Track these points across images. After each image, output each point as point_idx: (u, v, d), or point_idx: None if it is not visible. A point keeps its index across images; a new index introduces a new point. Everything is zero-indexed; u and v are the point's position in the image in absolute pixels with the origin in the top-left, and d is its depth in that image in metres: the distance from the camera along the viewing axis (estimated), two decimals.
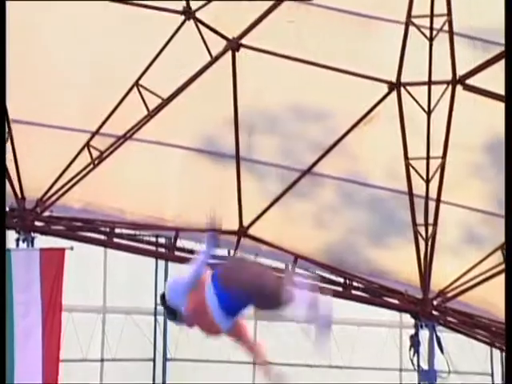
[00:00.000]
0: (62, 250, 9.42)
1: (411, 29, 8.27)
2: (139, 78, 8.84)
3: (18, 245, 9.64)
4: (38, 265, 9.27)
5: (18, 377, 9.02)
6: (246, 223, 9.88)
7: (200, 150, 9.56)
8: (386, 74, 8.69)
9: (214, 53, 8.62)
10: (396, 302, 10.23)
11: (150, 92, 8.87)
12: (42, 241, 9.72)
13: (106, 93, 9.00)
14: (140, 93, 8.88)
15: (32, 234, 9.68)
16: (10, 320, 9.14)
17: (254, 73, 8.90)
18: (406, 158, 9.07)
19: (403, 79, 8.68)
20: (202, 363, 12.01)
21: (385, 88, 8.78)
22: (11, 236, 9.70)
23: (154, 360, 11.89)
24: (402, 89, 8.71)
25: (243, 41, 8.60)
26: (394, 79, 8.70)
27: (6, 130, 9.20)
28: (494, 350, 11.72)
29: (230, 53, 8.66)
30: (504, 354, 5.18)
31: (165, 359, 11.98)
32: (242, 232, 9.90)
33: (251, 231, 9.92)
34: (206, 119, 9.33)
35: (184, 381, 12.15)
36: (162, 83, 8.88)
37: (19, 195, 9.64)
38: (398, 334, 12.04)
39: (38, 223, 9.78)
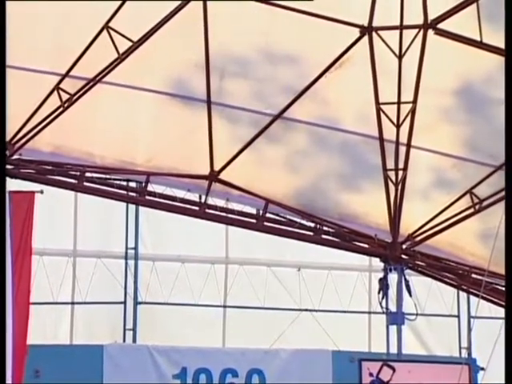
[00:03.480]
0: (32, 193, 9.37)
1: None
2: (109, 20, 8.73)
3: None
4: (8, 208, 9.22)
5: None
6: (217, 168, 9.88)
7: (171, 93, 9.50)
8: (358, 18, 8.65)
9: None
10: (366, 246, 10.33)
11: (121, 35, 8.76)
12: (12, 184, 9.67)
13: (76, 35, 8.88)
14: (110, 35, 8.77)
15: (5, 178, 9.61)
16: None
17: (224, 17, 8.82)
18: (377, 102, 9.07)
19: (375, 23, 8.64)
20: (172, 306, 12.09)
21: (356, 32, 8.74)
22: None
23: (124, 303, 11.95)
24: (374, 33, 8.68)
25: None
26: (365, 23, 8.66)
27: None
28: (460, 292, 11.91)
29: None
30: (504, 356, 5.23)
31: (135, 302, 12.03)
32: (213, 177, 9.90)
33: (222, 176, 9.93)
34: (177, 63, 9.26)
35: (154, 324, 12.24)
36: (133, 26, 8.77)
37: None
38: (368, 278, 12.18)
39: (7, 166, 9.71)
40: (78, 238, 11.81)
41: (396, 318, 10.00)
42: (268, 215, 10.21)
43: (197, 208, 10.12)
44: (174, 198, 10.10)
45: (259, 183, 10.09)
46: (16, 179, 9.70)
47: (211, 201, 10.07)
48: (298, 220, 10.28)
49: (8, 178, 9.73)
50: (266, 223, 10.27)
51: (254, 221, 10.25)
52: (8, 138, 9.58)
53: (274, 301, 12.07)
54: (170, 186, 10.09)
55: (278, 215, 10.30)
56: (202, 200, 10.05)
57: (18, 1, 8.62)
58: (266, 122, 9.53)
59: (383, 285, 10.03)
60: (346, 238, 10.31)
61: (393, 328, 10.23)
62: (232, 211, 10.19)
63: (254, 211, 10.24)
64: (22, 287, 9.16)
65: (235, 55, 9.18)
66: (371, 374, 9.85)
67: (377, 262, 10.54)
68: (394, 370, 9.87)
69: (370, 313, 12.13)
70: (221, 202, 10.19)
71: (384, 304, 9.98)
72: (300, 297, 12.11)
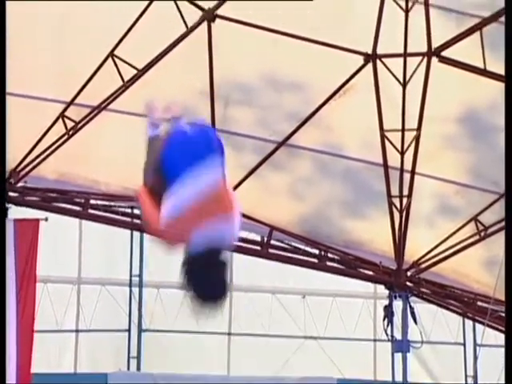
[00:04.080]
0: (37, 220, 9.39)
1: (387, 0, 8.26)
2: (114, 49, 8.78)
3: None
4: (13, 236, 9.23)
5: None
6: None
7: None
8: (362, 46, 8.69)
9: (190, 23, 8.57)
10: (370, 273, 10.31)
11: (125, 62, 8.81)
12: (17, 212, 9.68)
13: (81, 63, 8.93)
14: (115, 63, 8.82)
15: (6, 205, 9.63)
16: None
17: (229, 44, 8.87)
18: (382, 129, 9.09)
19: (379, 51, 8.68)
20: (177, 334, 12.04)
21: (360, 60, 8.77)
22: None
23: (129, 331, 11.91)
24: (378, 61, 8.72)
25: (219, 11, 8.56)
26: (369, 51, 8.70)
27: None
28: (466, 320, 11.86)
29: (205, 24, 8.61)
30: (505, 357, 5.19)
31: (140, 330, 11.99)
32: None
33: None
34: (182, 91, 9.29)
35: (159, 352, 12.19)
36: (138, 54, 8.82)
37: None
38: (373, 305, 12.13)
39: (12, 194, 9.73)
40: (83, 266, 11.80)
41: (401, 346, 9.95)
42: (272, 242, 10.20)
43: None
44: None
45: (264, 210, 10.08)
46: (21, 207, 9.71)
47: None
48: (303, 247, 10.26)
49: (13, 206, 9.76)
50: (270, 250, 10.26)
51: (258, 248, 10.24)
52: (13, 165, 9.61)
53: (279, 328, 12.01)
54: None
55: (282, 242, 10.28)
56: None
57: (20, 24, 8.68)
58: (270, 149, 9.55)
59: (388, 312, 9.99)
60: (351, 264, 10.29)
61: (398, 356, 10.17)
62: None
63: (258, 238, 10.23)
64: (26, 314, 9.14)
65: (239, 82, 9.22)
66: None
67: (382, 289, 10.51)
68: None
69: (375, 340, 12.07)
70: None
71: (389, 331, 9.93)
72: (305, 324, 12.06)
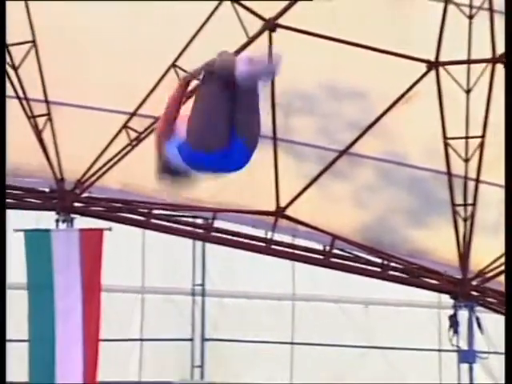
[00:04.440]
0: (101, 230, 9.50)
1: (450, 7, 8.17)
2: (176, 59, 8.85)
3: (57, 225, 9.74)
4: (78, 245, 9.35)
5: (59, 357, 9.13)
6: (283, 204, 9.88)
7: None
8: (425, 53, 8.61)
9: (251, 33, 8.60)
10: (435, 282, 10.19)
11: (187, 73, 8.86)
12: (82, 221, 9.81)
13: (144, 74, 9.02)
14: (177, 74, 8.89)
15: (71, 215, 9.77)
16: (50, 301, 9.25)
17: (290, 53, 8.85)
18: (445, 137, 9.00)
19: (442, 58, 8.59)
20: (240, 343, 12.06)
21: (423, 67, 8.70)
22: (51, 217, 9.80)
23: (192, 340, 11.96)
24: (441, 68, 8.63)
25: (280, 21, 8.57)
26: (432, 58, 8.61)
27: (46, 111, 9.27)
28: None
29: (266, 33, 8.63)
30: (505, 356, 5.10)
31: (203, 339, 12.03)
32: (279, 213, 9.90)
33: (288, 212, 9.92)
34: None
35: (222, 361, 12.22)
36: (199, 64, 8.87)
37: (58, 176, 9.73)
38: (437, 315, 11.98)
39: (77, 204, 9.87)
40: (146, 275, 11.89)
41: (467, 356, 9.80)
42: (335, 251, 10.15)
43: (263, 244, 10.12)
44: (240, 235, 10.13)
45: (325, 219, 10.05)
46: (86, 217, 9.84)
47: (277, 237, 10.06)
48: (365, 256, 10.19)
49: (78, 216, 9.89)
50: (332, 259, 10.21)
51: (320, 257, 10.20)
52: (78, 176, 9.75)
53: (342, 337, 11.94)
54: (237, 222, 10.12)
55: (344, 251, 10.23)
56: (269, 236, 10.05)
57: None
58: (331, 157, 9.51)
59: (453, 322, 9.85)
60: (415, 274, 10.18)
61: (464, 366, 10.02)
62: (298, 247, 10.17)
63: (320, 247, 10.19)
64: (91, 323, 9.25)
65: (300, 91, 9.21)
66: None
67: (446, 299, 10.37)
68: None
69: (439, 350, 11.91)
70: (287, 238, 10.16)
71: (455, 341, 9.79)
72: (368, 333, 11.97)
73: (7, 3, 6.99)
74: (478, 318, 9.84)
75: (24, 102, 9.14)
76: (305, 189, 9.68)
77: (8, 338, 10.40)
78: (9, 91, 8.99)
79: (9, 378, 10.20)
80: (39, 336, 9.24)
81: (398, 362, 11.83)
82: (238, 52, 8.64)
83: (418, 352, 11.88)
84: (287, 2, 8.38)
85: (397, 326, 11.91)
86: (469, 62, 8.46)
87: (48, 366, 9.12)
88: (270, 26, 8.58)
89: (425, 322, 11.98)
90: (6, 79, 8.79)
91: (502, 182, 9.55)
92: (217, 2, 8.43)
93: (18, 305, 10.05)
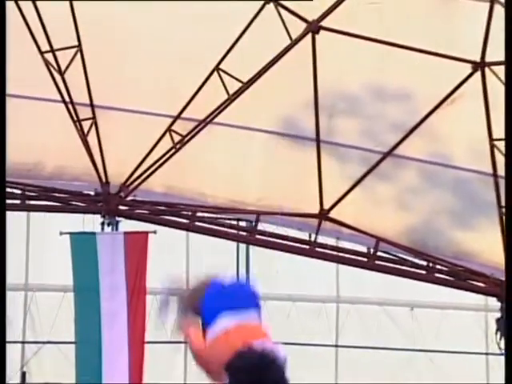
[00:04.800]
0: (146, 233, 9.56)
1: (496, 6, 8.08)
2: (219, 63, 8.87)
3: (103, 229, 9.83)
4: (123, 248, 9.42)
5: (106, 358, 9.21)
6: (326, 206, 9.84)
7: (281, 133, 9.56)
8: (470, 54, 8.52)
9: (294, 36, 8.58)
10: (481, 285, 10.07)
11: (231, 76, 8.89)
12: (126, 225, 9.88)
13: (188, 78, 9.06)
14: (220, 77, 8.91)
15: (116, 218, 9.85)
16: (96, 303, 9.33)
17: (333, 55, 8.84)
18: (491, 138, 8.89)
19: (488, 59, 8.49)
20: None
21: (468, 68, 8.61)
22: (96, 220, 9.89)
23: None
24: (487, 68, 8.53)
25: (323, 23, 8.54)
26: (477, 59, 8.52)
27: (91, 115, 9.36)
28: None
29: (309, 35, 8.60)
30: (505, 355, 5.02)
31: None
32: (323, 215, 9.87)
33: (332, 214, 9.88)
34: (287, 102, 9.32)
35: None
36: (243, 67, 8.89)
37: (104, 180, 9.81)
38: (484, 318, 11.86)
39: (122, 207, 9.94)
40: (190, 278, 11.94)
41: None
42: (379, 253, 10.09)
43: (307, 247, 10.09)
44: (284, 237, 10.11)
45: (370, 221, 9.99)
46: (131, 220, 9.91)
47: (321, 239, 10.03)
48: (410, 258, 10.11)
49: (122, 219, 9.96)
50: (377, 262, 10.15)
51: (365, 259, 10.14)
52: (123, 179, 9.82)
53: (387, 340, 11.88)
54: (280, 224, 10.11)
55: (389, 253, 10.16)
56: (312, 239, 10.02)
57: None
58: (375, 159, 9.46)
59: (500, 325, 9.73)
60: (461, 276, 10.08)
61: None
62: (342, 250, 10.12)
63: (364, 249, 10.14)
64: (137, 326, 9.31)
65: (344, 93, 9.17)
66: None
67: (493, 302, 10.25)
68: None
69: (487, 354, 11.79)
70: (331, 241, 10.13)
71: (502, 345, 9.67)
72: (413, 337, 11.88)
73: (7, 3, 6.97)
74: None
75: (70, 106, 9.23)
76: (349, 191, 9.64)
77: (57, 339, 10.54)
78: (55, 96, 9.09)
79: (54, 380, 10.31)
80: (86, 338, 9.32)
81: (444, 366, 11.74)
82: (279, 56, 8.65)
83: (464, 355, 11.78)
84: (331, 4, 8.35)
85: (443, 329, 11.82)
86: None
87: (95, 368, 9.20)
88: (313, 28, 8.56)
89: (471, 325, 11.87)
90: (53, 84, 8.89)
91: None
92: (260, 4, 8.43)
93: (66, 307, 10.17)
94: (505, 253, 5.40)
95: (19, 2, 8.32)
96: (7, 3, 7.09)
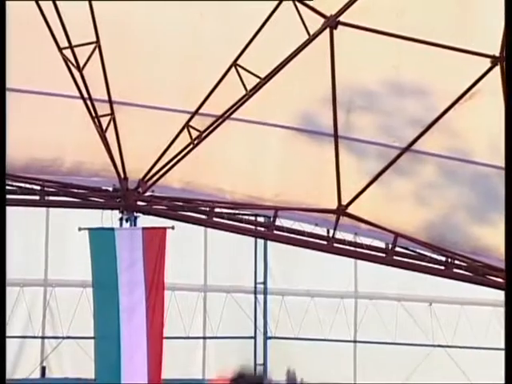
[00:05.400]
0: (164, 229, 9.59)
1: None
2: (237, 58, 8.88)
3: (121, 224, 9.87)
4: (141, 244, 9.46)
5: (125, 353, 9.25)
6: (344, 202, 9.83)
7: (298, 128, 9.55)
8: (489, 49, 8.48)
9: (312, 31, 8.57)
10: (500, 280, 10.03)
11: (248, 72, 8.89)
12: (145, 220, 9.92)
13: (205, 73, 9.07)
14: (238, 73, 8.91)
15: (135, 214, 9.88)
16: (115, 298, 9.37)
17: (351, 50, 8.82)
18: None
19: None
20: (302, 341, 12.05)
21: (487, 62, 8.57)
22: (115, 216, 9.94)
23: (254, 338, 12.00)
24: (505, 63, 8.48)
25: (341, 18, 8.52)
26: (497, 53, 8.48)
27: (109, 111, 9.39)
28: None
29: (327, 30, 8.59)
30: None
31: (265, 337, 12.07)
32: (341, 210, 9.86)
33: (350, 210, 9.87)
34: (304, 98, 9.31)
35: (285, 359, 12.22)
36: (260, 63, 8.89)
37: (122, 176, 9.84)
38: (503, 313, 11.80)
39: (140, 203, 9.97)
40: (208, 273, 11.97)
41: None
42: (397, 249, 10.07)
43: (325, 242, 10.09)
44: (302, 233, 10.11)
45: (388, 217, 9.97)
46: (148, 215, 9.94)
47: (339, 235, 10.02)
48: (429, 254, 10.09)
49: (141, 215, 9.99)
50: (395, 257, 10.13)
51: (383, 255, 10.13)
52: (141, 175, 9.85)
53: (405, 336, 11.87)
54: (298, 220, 10.11)
55: (407, 249, 10.14)
56: (330, 234, 10.02)
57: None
58: (393, 155, 9.44)
59: None
60: (479, 271, 10.04)
61: None
62: (360, 245, 10.11)
63: (382, 245, 10.12)
64: (155, 322, 9.34)
65: (362, 88, 9.16)
66: None
67: None
68: None
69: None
70: (349, 236, 10.12)
71: None
72: (432, 332, 11.87)
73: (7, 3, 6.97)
74: None
75: (88, 103, 9.26)
76: (367, 186, 9.62)
77: (77, 335, 10.60)
78: (73, 91, 9.13)
79: (73, 374, 10.36)
80: (104, 333, 9.37)
81: (463, 361, 11.71)
82: (297, 52, 8.65)
83: (483, 351, 11.75)
84: None
85: (462, 325, 11.79)
86: None
87: (113, 363, 9.24)
88: (331, 23, 8.54)
89: (490, 320, 11.83)
90: (72, 80, 8.92)
91: None
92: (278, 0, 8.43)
93: (85, 302, 10.22)
94: (505, 253, 5.37)
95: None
96: (13, 3, 7.10)
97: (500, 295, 11.64)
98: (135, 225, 9.90)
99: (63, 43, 8.77)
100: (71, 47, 8.74)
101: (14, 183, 9.66)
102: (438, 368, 11.79)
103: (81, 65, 8.92)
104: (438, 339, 11.81)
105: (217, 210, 10.07)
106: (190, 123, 9.43)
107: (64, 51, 8.81)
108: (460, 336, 11.74)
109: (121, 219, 9.86)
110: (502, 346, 12.00)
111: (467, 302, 11.76)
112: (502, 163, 9.32)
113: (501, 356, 11.93)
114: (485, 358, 11.75)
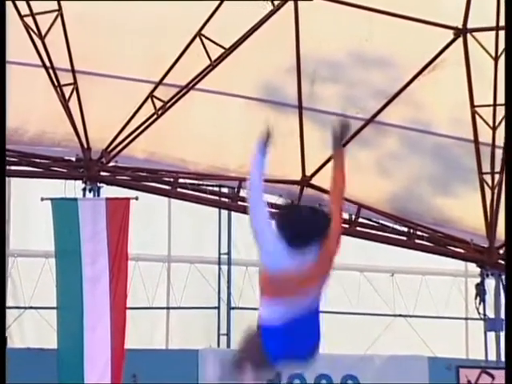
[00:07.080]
0: (127, 199, 9.54)
1: None
2: (202, 28, 8.82)
3: (84, 195, 9.80)
4: (105, 214, 9.39)
5: (87, 323, 9.22)
6: (308, 173, 9.86)
7: (263, 99, 9.54)
8: (452, 20, 8.52)
9: (276, 2, 8.54)
10: (461, 251, 10.15)
11: (213, 42, 8.85)
12: (108, 190, 9.85)
13: (169, 44, 9.01)
14: (203, 43, 8.86)
15: (98, 184, 9.82)
16: (78, 268, 9.32)
17: (316, 21, 8.81)
18: (472, 105, 8.92)
19: (470, 25, 8.49)
20: None
21: (450, 34, 8.60)
22: (78, 186, 9.86)
23: (218, 308, 12.02)
24: (469, 35, 8.53)
25: None
26: (459, 25, 8.52)
27: (72, 81, 9.29)
28: None
29: (292, 1, 8.57)
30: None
31: (229, 308, 12.09)
32: (305, 182, 9.89)
33: (314, 181, 9.91)
34: (269, 69, 9.29)
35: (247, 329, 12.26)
36: (225, 33, 8.84)
37: (85, 146, 9.77)
38: (464, 283, 11.95)
39: (103, 173, 9.91)
40: (172, 244, 11.94)
41: (494, 325, 9.79)
42: (360, 220, 10.14)
43: None
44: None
45: (351, 188, 9.88)
46: (112, 186, 9.88)
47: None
48: (391, 225, 10.17)
49: (104, 185, 9.94)
50: (358, 228, 10.20)
51: (346, 226, 10.19)
52: (104, 145, 9.78)
53: (368, 306, 11.95)
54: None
55: (370, 220, 10.21)
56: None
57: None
58: (357, 126, 9.47)
59: (480, 290, 9.83)
60: (441, 242, 10.15)
61: (491, 334, 10.01)
62: None
63: (346, 216, 10.18)
64: (118, 292, 9.32)
65: (326, 60, 9.15)
66: (469, 382, 9.66)
67: (473, 267, 10.34)
68: (493, 377, 9.67)
69: (466, 319, 11.89)
70: None
71: (481, 310, 9.78)
72: (394, 302, 11.96)
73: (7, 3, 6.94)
74: (504, 286, 9.82)
75: (51, 71, 9.15)
76: (330, 158, 9.63)
77: (39, 305, 10.55)
78: (35, 60, 9.02)
79: (35, 345, 10.33)
80: (67, 304, 9.33)
81: (424, 331, 11.84)
82: (261, 22, 8.60)
83: (444, 320, 11.88)
84: None
85: (423, 295, 11.91)
86: (497, 28, 8.35)
87: (76, 333, 9.22)
88: None
89: (451, 290, 11.96)
90: (33, 48, 8.80)
91: None
92: None
93: (48, 273, 10.16)
94: (506, 250, 5.42)
95: None
96: None
97: (461, 265, 11.79)
98: (98, 195, 9.83)
99: (24, 10, 8.65)
100: (32, 15, 8.63)
101: None
102: (400, 338, 11.91)
103: (43, 33, 8.81)
104: (400, 309, 11.92)
105: (181, 180, 10.05)
106: (154, 93, 9.37)
107: (25, 18, 8.69)
108: (421, 306, 11.86)
109: (84, 189, 9.79)
110: (463, 315, 12.14)
111: (428, 272, 11.87)
112: (464, 135, 9.43)
113: (461, 325, 12.09)
114: (445, 327, 11.88)
